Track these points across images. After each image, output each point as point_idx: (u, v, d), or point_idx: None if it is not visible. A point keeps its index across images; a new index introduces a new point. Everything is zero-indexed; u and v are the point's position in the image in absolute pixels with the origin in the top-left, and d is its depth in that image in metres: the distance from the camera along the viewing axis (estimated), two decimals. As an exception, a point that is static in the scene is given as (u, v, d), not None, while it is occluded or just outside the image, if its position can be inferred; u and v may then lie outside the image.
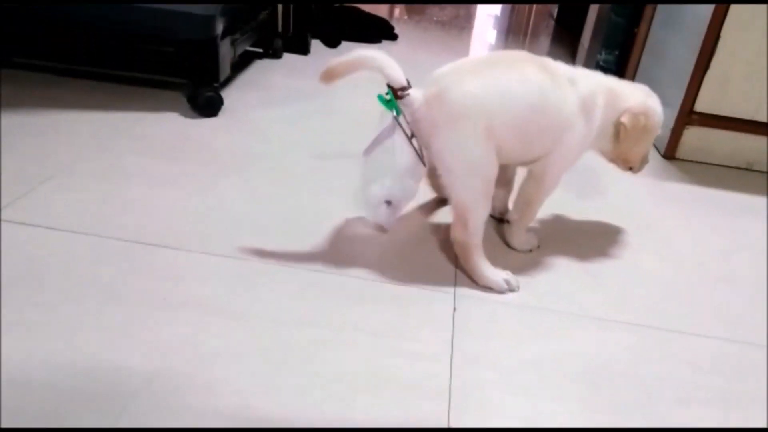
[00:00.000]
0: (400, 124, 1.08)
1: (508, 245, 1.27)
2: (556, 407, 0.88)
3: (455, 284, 1.13)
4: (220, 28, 1.68)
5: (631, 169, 1.28)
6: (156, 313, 0.96)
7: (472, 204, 1.09)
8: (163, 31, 1.65)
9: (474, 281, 1.13)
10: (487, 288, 1.12)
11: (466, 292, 1.11)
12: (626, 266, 1.27)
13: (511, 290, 1.12)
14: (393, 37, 2.90)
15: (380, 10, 3.39)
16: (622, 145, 1.20)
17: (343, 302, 1.04)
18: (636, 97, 1.20)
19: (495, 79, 1.06)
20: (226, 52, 1.76)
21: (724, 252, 1.37)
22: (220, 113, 1.74)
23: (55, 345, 0.87)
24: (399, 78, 1.06)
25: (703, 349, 1.05)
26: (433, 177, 1.23)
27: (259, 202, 1.32)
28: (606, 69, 1.20)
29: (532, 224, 1.27)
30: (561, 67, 1.14)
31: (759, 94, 1.76)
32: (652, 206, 1.58)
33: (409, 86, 1.06)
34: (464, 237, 1.11)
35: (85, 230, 1.14)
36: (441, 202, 1.40)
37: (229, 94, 1.84)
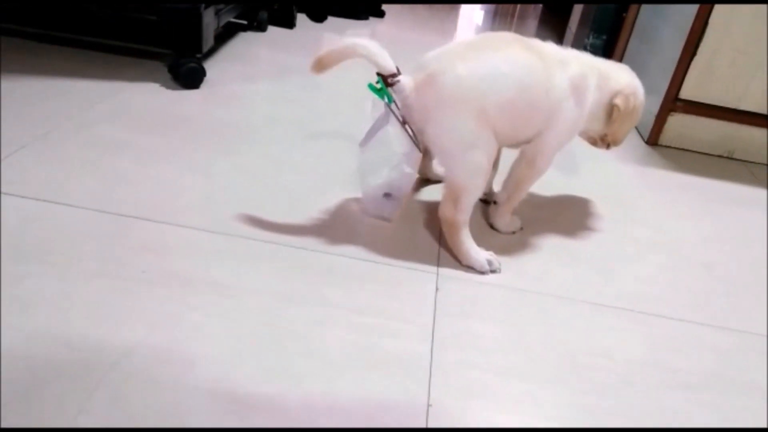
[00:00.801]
0: (393, 111, 1.07)
1: (491, 227, 1.27)
2: (537, 389, 0.88)
3: (438, 264, 1.12)
4: (203, -3, 1.64)
5: (608, 146, 1.29)
6: (138, 286, 0.94)
7: (468, 183, 1.08)
8: (145, -2, 1.60)
9: (458, 260, 1.13)
10: (470, 268, 1.12)
11: (450, 273, 1.10)
12: (609, 250, 1.27)
13: (493, 271, 1.12)
14: (380, 14, 2.86)
15: (368, -14, 3.34)
16: (613, 126, 1.20)
17: (327, 280, 1.03)
18: (624, 78, 1.20)
19: (484, 62, 1.05)
20: (210, 21, 1.72)
21: (705, 238, 1.38)
22: (202, 85, 1.70)
23: (35, 317, 0.85)
24: (389, 66, 1.05)
25: (683, 332, 1.06)
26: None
27: (244, 178, 1.30)
28: (593, 53, 1.19)
29: (516, 207, 1.27)
30: (550, 48, 1.14)
31: (743, 83, 1.77)
32: (635, 191, 1.59)
33: (399, 73, 1.06)
34: (453, 215, 1.10)
35: (66, 201, 1.11)
36: (424, 181, 1.39)
37: (211, 66, 1.81)
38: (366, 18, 2.78)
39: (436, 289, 1.05)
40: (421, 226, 1.23)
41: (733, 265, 1.29)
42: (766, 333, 1.08)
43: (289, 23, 2.41)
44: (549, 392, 0.88)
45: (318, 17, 2.59)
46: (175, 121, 1.49)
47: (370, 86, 1.08)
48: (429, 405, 0.82)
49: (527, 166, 1.19)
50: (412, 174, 1.14)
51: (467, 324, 0.99)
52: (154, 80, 1.68)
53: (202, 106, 1.59)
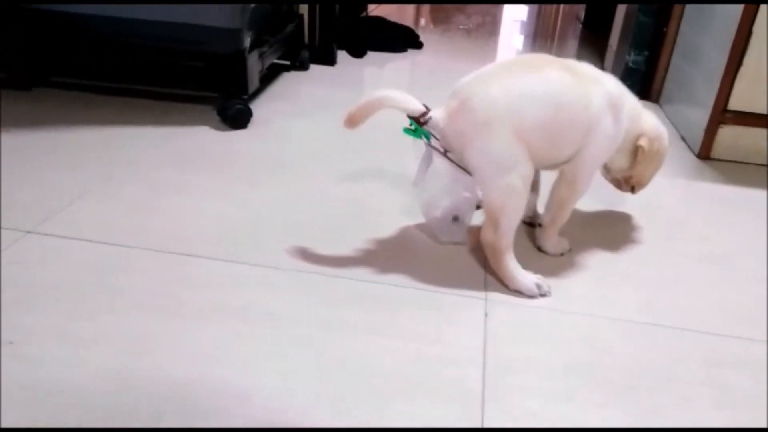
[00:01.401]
0: (434, 147, 1.11)
1: (539, 249, 1.26)
2: (594, 412, 0.87)
3: (486, 289, 1.12)
4: (247, 41, 1.71)
5: (632, 189, 1.32)
6: (192, 321, 0.97)
7: (504, 206, 1.08)
8: (192, 45, 1.69)
9: (504, 285, 1.12)
10: (518, 292, 1.11)
11: (498, 297, 1.10)
12: (660, 268, 1.24)
13: (543, 295, 1.11)
14: (418, 45, 2.91)
15: (406, 19, 3.41)
16: (637, 167, 1.23)
17: (375, 309, 1.04)
18: (651, 120, 1.23)
19: (518, 82, 1.06)
20: (254, 64, 1.79)
21: (758, 254, 1.34)
22: (250, 125, 1.76)
23: (91, 353, 0.89)
24: (416, 107, 1.09)
25: (741, 351, 1.02)
26: None
27: (291, 211, 1.33)
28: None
29: (562, 228, 1.26)
30: (586, 68, 1.14)
31: (795, 90, 1.72)
32: (685, 207, 1.55)
33: (428, 110, 1.09)
34: (494, 239, 1.10)
35: (121, 242, 1.16)
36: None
37: (258, 106, 1.87)
38: (404, 50, 2.83)
39: (485, 314, 1.05)
40: (467, 251, 1.23)
41: (795, 279, 1.24)
42: (835, 348, 1.03)
43: (330, 61, 2.48)
44: (605, 415, 0.86)
45: (358, 53, 2.65)
46: (225, 160, 1.55)
47: (405, 130, 1.12)
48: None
49: (567, 186, 1.18)
50: (470, 198, 1.19)
51: (518, 349, 0.98)
52: (204, 123, 1.75)
53: (250, 144, 1.65)
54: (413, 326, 1.01)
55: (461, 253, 1.23)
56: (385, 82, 2.38)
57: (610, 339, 1.02)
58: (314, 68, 2.41)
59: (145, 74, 1.82)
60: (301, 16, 2.36)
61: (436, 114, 1.09)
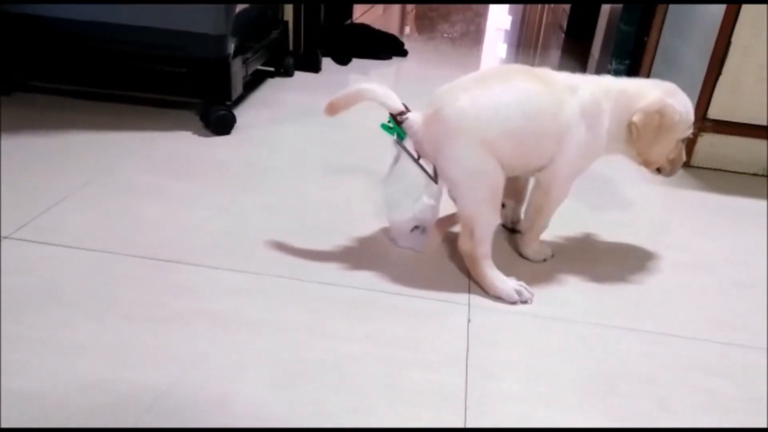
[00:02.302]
0: (404, 147, 1.13)
1: (521, 255, 1.26)
2: (576, 417, 0.87)
3: (469, 294, 1.12)
4: (231, 47, 1.71)
5: (659, 171, 1.23)
6: (172, 327, 0.96)
7: (477, 214, 1.10)
8: (176, 51, 1.67)
9: (485, 291, 1.12)
10: (499, 299, 1.11)
11: (481, 302, 1.10)
12: (640, 274, 1.25)
13: (524, 301, 1.11)
14: (403, 53, 2.91)
15: (391, 27, 3.42)
16: (637, 145, 1.16)
17: (357, 315, 1.04)
18: (652, 95, 1.15)
19: (486, 93, 1.08)
20: (238, 70, 1.78)
21: (739, 260, 1.35)
22: (233, 131, 1.75)
23: (72, 361, 0.87)
24: (395, 104, 1.12)
25: (720, 354, 1.03)
26: None
27: (274, 217, 1.32)
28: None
29: (545, 234, 1.26)
30: (559, 76, 1.15)
31: (773, 99, 1.75)
32: (666, 214, 1.57)
33: (407, 110, 1.11)
34: (470, 247, 1.11)
35: (102, 248, 1.15)
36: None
37: (241, 113, 1.86)
38: (389, 58, 2.84)
39: (468, 320, 1.05)
40: (451, 257, 1.23)
41: (774, 284, 1.25)
42: (813, 353, 1.05)
43: (315, 67, 2.48)
44: (586, 419, 0.86)
45: (343, 60, 2.66)
46: (207, 166, 1.54)
47: (383, 125, 1.14)
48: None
49: (543, 194, 1.19)
50: (434, 205, 1.16)
51: (501, 354, 0.98)
52: (187, 128, 1.74)
53: (233, 151, 1.64)
54: (396, 332, 1.00)
55: (445, 259, 1.23)
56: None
57: (592, 345, 1.03)
58: (299, 75, 2.41)
59: (126, 79, 1.80)
60: (286, 22, 2.36)
61: (414, 117, 1.11)
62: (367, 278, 1.14)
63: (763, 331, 1.10)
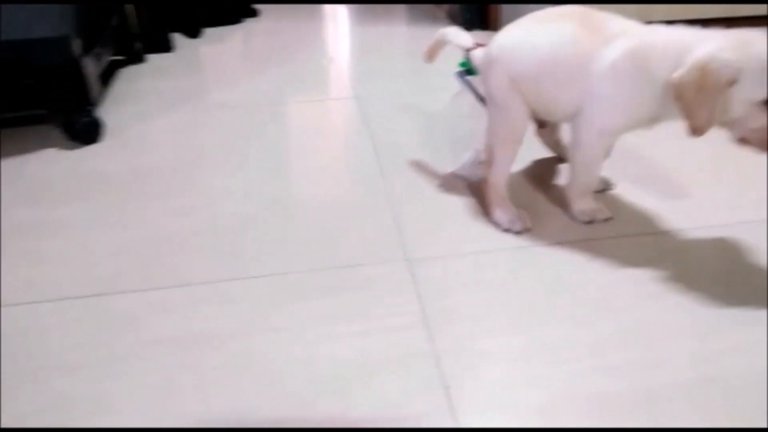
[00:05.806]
0: (462, 78, 1.40)
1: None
2: (547, 332, 0.92)
3: (404, 251, 1.14)
4: (78, 45, 1.55)
5: (745, 143, 1.01)
6: (122, 365, 0.90)
7: (495, 146, 1.18)
8: (17, 63, 1.49)
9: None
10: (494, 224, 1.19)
11: (419, 254, 1.12)
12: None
13: (516, 231, 1.17)
14: (252, 13, 2.79)
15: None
16: (679, 106, 0.97)
17: (303, 301, 1.03)
18: (707, 46, 0.95)
19: (525, 32, 1.13)
20: (92, 69, 1.63)
21: None
22: (104, 137, 1.61)
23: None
24: (466, 41, 1.26)
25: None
26: (545, 135, 1.38)
27: (182, 222, 1.25)
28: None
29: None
30: (615, 25, 1.06)
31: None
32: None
33: (476, 46, 1.24)
34: (487, 174, 1.20)
35: (10, 301, 1.04)
36: (558, 159, 1.42)
37: (105, 114, 1.71)
38: (239, 21, 2.71)
39: (412, 275, 1.07)
40: (374, 218, 1.24)
41: None
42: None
43: (166, 47, 2.31)
44: (555, 338, 0.92)
45: (193, 33, 2.50)
46: (90, 181, 1.41)
47: (460, 63, 1.40)
48: (447, 387, 0.85)
49: (572, 145, 1.15)
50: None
51: (453, 299, 1.02)
52: (52, 145, 1.58)
53: (112, 159, 1.52)
54: (345, 308, 1.00)
55: (366, 220, 1.23)
56: (225, 61, 2.25)
57: (539, 266, 1.09)
58: (151, 59, 2.23)
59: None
60: (125, 3, 2.15)
61: (477, 52, 1.22)
62: (296, 263, 1.12)
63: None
